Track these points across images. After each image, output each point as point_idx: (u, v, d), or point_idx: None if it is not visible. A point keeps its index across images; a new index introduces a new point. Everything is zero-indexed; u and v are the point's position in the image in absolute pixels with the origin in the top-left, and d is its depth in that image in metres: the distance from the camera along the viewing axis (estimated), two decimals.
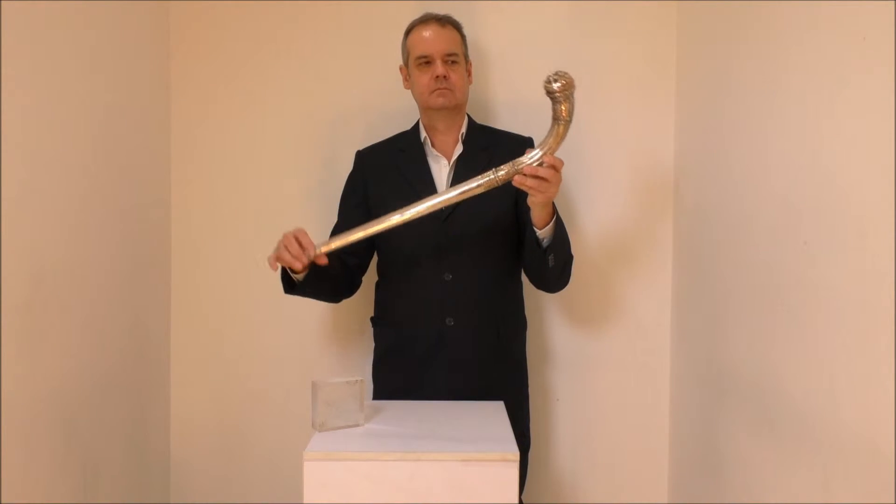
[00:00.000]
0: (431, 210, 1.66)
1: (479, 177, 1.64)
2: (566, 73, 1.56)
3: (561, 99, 1.57)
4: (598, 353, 2.20)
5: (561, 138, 1.60)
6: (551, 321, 2.21)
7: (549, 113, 2.16)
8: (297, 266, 1.66)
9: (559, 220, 1.76)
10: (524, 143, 1.95)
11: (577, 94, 2.16)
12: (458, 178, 1.86)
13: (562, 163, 1.61)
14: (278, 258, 1.67)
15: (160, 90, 2.17)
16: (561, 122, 1.59)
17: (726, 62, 1.80)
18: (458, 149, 1.90)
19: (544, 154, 1.60)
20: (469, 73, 1.94)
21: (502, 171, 1.62)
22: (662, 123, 2.17)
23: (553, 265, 1.77)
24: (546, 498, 2.20)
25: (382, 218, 1.68)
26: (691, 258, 2.04)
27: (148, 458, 2.11)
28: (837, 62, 1.28)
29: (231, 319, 2.22)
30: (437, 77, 1.82)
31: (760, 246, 1.58)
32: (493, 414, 1.64)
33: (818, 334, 1.33)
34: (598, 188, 2.18)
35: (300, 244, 1.64)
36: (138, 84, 2.03)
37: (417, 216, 1.66)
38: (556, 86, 1.55)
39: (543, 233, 1.73)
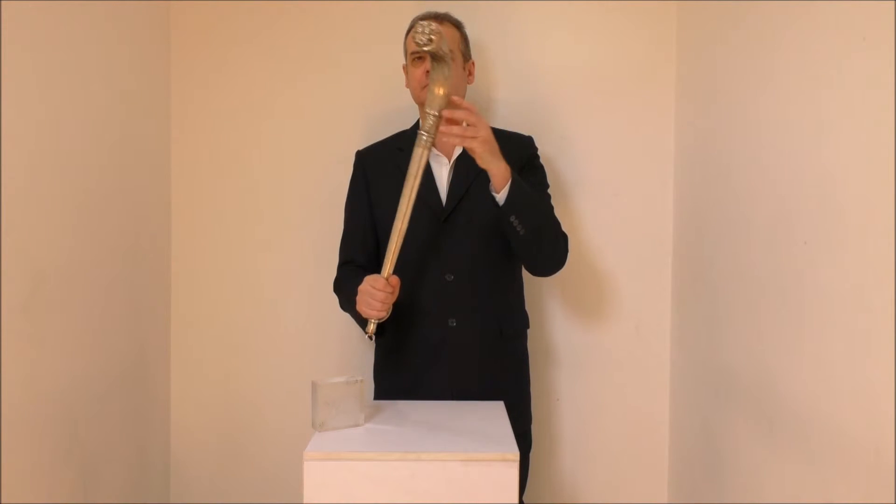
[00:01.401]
0: (413, 196, 1.63)
1: (415, 147, 1.62)
2: (427, 26, 1.57)
3: (445, 51, 1.59)
4: (598, 353, 2.20)
5: (449, 77, 1.62)
6: (551, 321, 2.21)
7: (548, 111, 2.19)
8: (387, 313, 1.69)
9: (518, 182, 1.70)
10: (524, 142, 1.96)
11: (578, 95, 2.18)
12: (457, 176, 1.86)
13: (461, 99, 1.63)
14: (374, 316, 1.67)
15: (160, 90, 2.17)
16: (445, 58, 1.61)
17: (726, 62, 1.80)
18: (459, 148, 1.90)
19: (445, 96, 1.61)
20: (470, 73, 1.94)
21: (424, 133, 1.61)
22: (662, 123, 2.17)
23: (524, 233, 1.72)
24: (546, 498, 2.20)
25: (396, 223, 1.65)
26: (691, 258, 2.04)
27: (148, 458, 2.11)
28: (837, 62, 1.28)
29: (231, 320, 2.22)
30: (428, 72, 1.82)
31: (760, 246, 1.58)
32: (494, 414, 1.64)
33: (818, 334, 1.33)
34: (598, 188, 2.18)
35: (383, 293, 1.66)
36: (138, 84, 2.03)
37: (411, 202, 1.64)
38: (440, 46, 1.57)
39: (501, 194, 1.69)
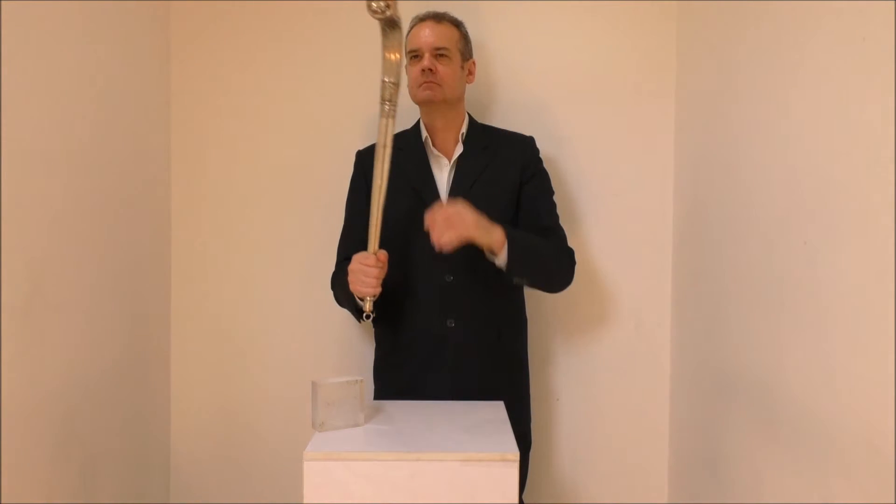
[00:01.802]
0: (387, 168, 1.65)
1: (380, 118, 1.63)
2: None
3: (399, 16, 1.60)
4: (598, 353, 2.20)
5: (403, 42, 1.65)
6: (551, 321, 2.21)
7: (548, 111, 2.19)
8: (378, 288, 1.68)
9: (514, 242, 1.71)
10: (525, 142, 1.95)
11: (578, 95, 2.19)
12: (458, 177, 1.86)
13: (431, 221, 1.63)
14: (369, 293, 1.68)
15: (160, 90, 2.17)
16: (398, 23, 1.62)
17: (726, 62, 1.80)
18: (459, 148, 1.90)
19: (399, 62, 1.62)
20: (470, 72, 1.94)
21: (386, 103, 1.63)
22: (662, 123, 2.17)
23: (529, 282, 1.81)
24: (546, 498, 2.20)
25: (374, 196, 1.67)
26: (691, 258, 2.04)
27: (148, 458, 2.11)
28: (837, 62, 1.28)
29: (231, 319, 2.22)
30: (424, 70, 1.83)
31: (760, 246, 1.58)
32: (493, 414, 1.64)
33: (818, 334, 1.33)
34: (598, 188, 2.18)
35: (375, 269, 1.67)
36: (138, 84, 2.03)
37: (385, 174, 1.65)
38: (396, 11, 1.57)
39: (500, 258, 1.72)
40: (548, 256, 1.82)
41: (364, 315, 1.71)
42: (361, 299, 1.72)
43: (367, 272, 1.67)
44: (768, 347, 1.53)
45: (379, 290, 1.69)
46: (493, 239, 1.69)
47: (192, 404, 2.23)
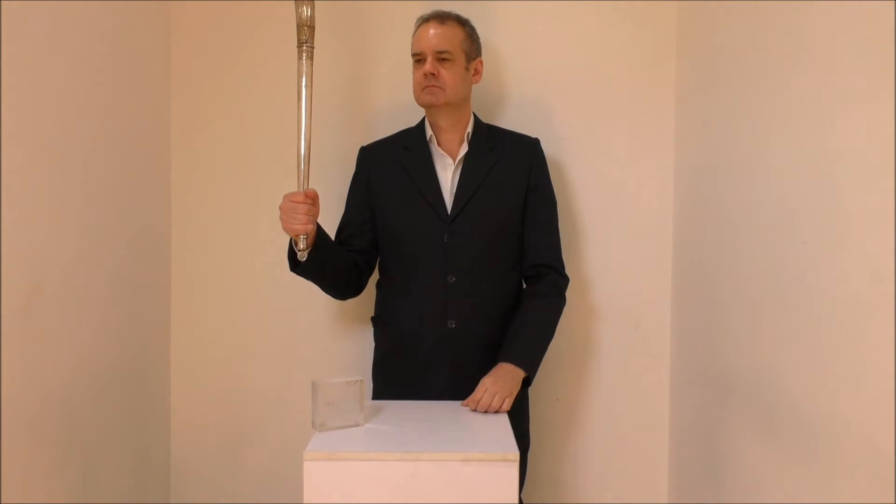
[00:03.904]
0: (307, 107, 1.74)
1: (297, 60, 1.72)
2: None
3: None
4: (598, 353, 2.20)
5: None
6: None
7: (548, 111, 2.19)
8: (313, 226, 1.69)
9: (530, 363, 1.80)
10: (532, 144, 1.95)
11: (578, 95, 2.18)
12: (463, 177, 1.86)
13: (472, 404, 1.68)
14: (301, 231, 1.67)
15: (160, 90, 2.17)
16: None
17: (726, 62, 1.80)
18: (464, 148, 1.89)
19: (309, 7, 1.73)
20: (476, 72, 1.92)
21: (305, 47, 1.76)
22: (662, 123, 2.17)
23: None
24: (546, 498, 2.20)
25: (298, 142, 1.73)
26: (691, 258, 2.04)
27: (148, 458, 2.11)
28: (837, 62, 1.29)
29: (231, 319, 2.22)
30: (426, 74, 1.82)
31: (760, 246, 1.58)
32: (493, 414, 1.64)
33: (818, 334, 1.33)
34: (598, 188, 2.18)
35: (304, 205, 1.67)
36: (138, 84, 2.03)
37: (304, 113, 1.74)
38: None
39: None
40: (552, 326, 1.90)
41: (300, 254, 1.70)
42: (297, 247, 1.70)
43: (297, 209, 1.66)
44: (768, 347, 1.53)
45: (310, 226, 1.68)
46: (519, 379, 1.76)
47: (192, 404, 2.23)
